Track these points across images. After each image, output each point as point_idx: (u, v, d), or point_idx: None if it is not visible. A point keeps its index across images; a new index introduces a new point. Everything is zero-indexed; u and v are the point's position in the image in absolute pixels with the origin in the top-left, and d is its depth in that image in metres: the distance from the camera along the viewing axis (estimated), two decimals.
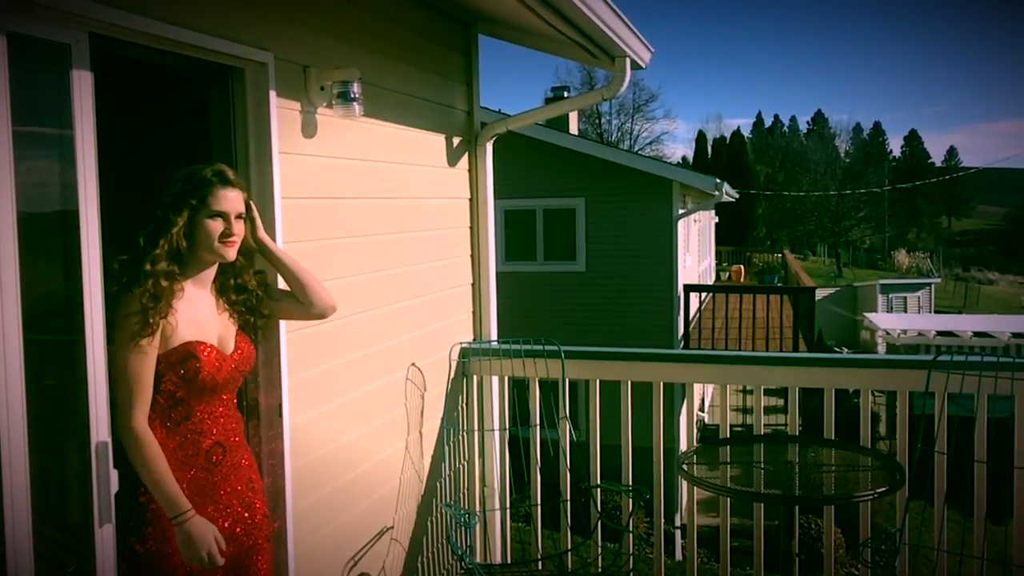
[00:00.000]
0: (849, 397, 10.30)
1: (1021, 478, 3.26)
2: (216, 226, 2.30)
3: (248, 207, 2.44)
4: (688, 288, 13.46)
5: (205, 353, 2.28)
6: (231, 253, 2.35)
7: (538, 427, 3.99)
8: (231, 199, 2.34)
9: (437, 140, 4.04)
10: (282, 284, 2.66)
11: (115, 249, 2.30)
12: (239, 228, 2.36)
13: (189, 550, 2.16)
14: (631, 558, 3.78)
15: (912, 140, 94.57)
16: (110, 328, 2.17)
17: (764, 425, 3.80)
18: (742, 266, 27.13)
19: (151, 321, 2.16)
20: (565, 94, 17.99)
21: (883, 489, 2.80)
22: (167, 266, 2.24)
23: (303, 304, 2.61)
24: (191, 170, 2.36)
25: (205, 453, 2.30)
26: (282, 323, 2.83)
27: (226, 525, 2.33)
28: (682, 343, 13.03)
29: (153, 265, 2.21)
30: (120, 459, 2.20)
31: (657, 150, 60.47)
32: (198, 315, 2.32)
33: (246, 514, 2.40)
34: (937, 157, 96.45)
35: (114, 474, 2.18)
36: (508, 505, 4.25)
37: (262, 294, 2.54)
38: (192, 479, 2.26)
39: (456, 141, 4.20)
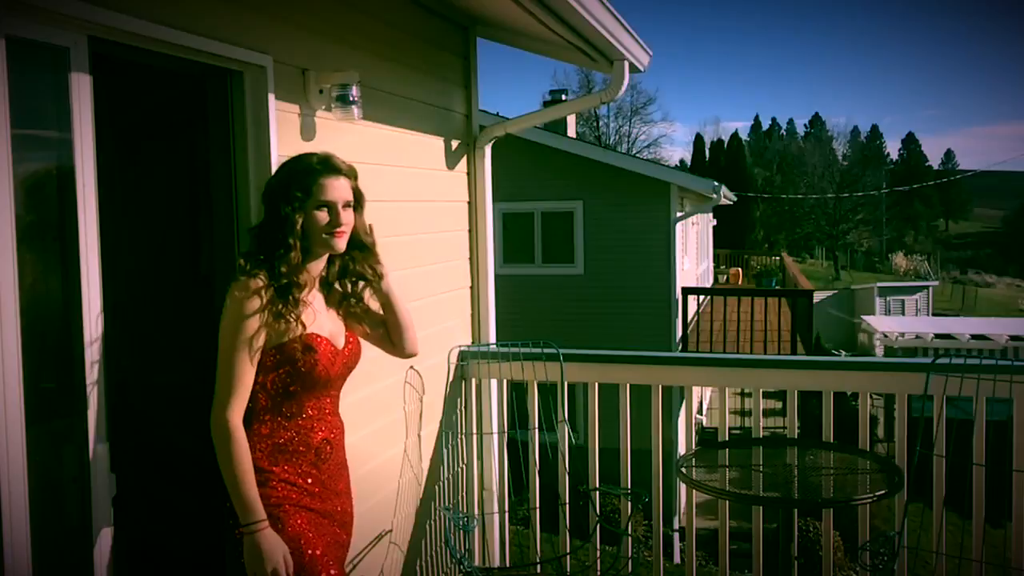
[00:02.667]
0: (847, 400, 10.29)
1: (1020, 481, 3.26)
2: (323, 217, 2.21)
3: (357, 195, 2.32)
4: (686, 291, 13.47)
5: (322, 347, 2.22)
6: (341, 244, 2.26)
7: (537, 430, 3.98)
8: (338, 188, 2.24)
9: (436, 143, 4.04)
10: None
11: (111, 250, 2.30)
12: (347, 217, 2.27)
13: (254, 563, 2.08)
14: (630, 561, 3.78)
15: (909, 143, 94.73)
16: (215, 315, 2.13)
17: (763, 428, 3.79)
18: (740, 269, 27.14)
19: (276, 319, 2.11)
20: (563, 97, 18.02)
21: (882, 492, 2.80)
22: (298, 264, 2.18)
23: (393, 342, 2.55)
24: (295, 159, 2.28)
25: (315, 449, 2.25)
26: None
27: (338, 531, 2.31)
28: (680, 346, 13.03)
29: (288, 266, 2.15)
30: (118, 462, 2.20)
31: (655, 153, 60.56)
32: (312, 307, 2.25)
33: (339, 508, 2.36)
34: (934, 160, 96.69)
35: (111, 478, 2.17)
36: (507, 508, 4.25)
37: (375, 284, 2.43)
38: (305, 475, 2.22)
39: (455, 144, 4.21)
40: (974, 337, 16.47)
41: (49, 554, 2.07)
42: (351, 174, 2.30)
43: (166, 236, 4.01)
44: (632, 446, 3.84)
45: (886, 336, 17.12)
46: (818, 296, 23.19)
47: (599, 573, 3.82)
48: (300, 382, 2.19)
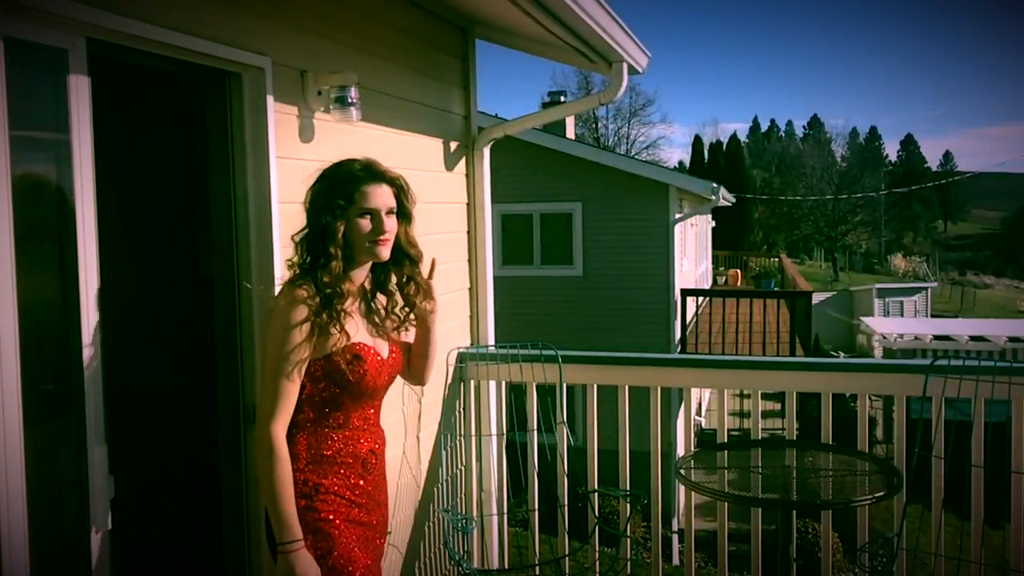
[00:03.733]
0: (846, 401, 10.31)
1: (1018, 482, 3.26)
2: (366, 224, 2.16)
3: (402, 204, 2.26)
4: (685, 292, 13.47)
5: (369, 356, 2.18)
6: (384, 252, 2.20)
7: (535, 432, 3.98)
8: (381, 195, 2.19)
9: (434, 144, 4.04)
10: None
11: (110, 252, 2.29)
12: (391, 225, 2.20)
13: None
14: (629, 563, 3.77)
15: (908, 144, 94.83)
16: (256, 326, 2.18)
17: (761, 429, 3.79)
18: (739, 270, 27.16)
19: (322, 330, 2.07)
20: (562, 99, 18.03)
21: (881, 494, 2.80)
22: (341, 274, 2.13)
23: (411, 371, 2.48)
24: (336, 166, 2.23)
25: (362, 460, 2.22)
26: None
27: (379, 541, 2.29)
28: (679, 347, 13.03)
29: (330, 275, 2.10)
30: (117, 464, 2.19)
31: (654, 155, 60.53)
32: (356, 317, 2.22)
33: (384, 524, 2.34)
34: (933, 161, 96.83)
35: (110, 480, 2.17)
36: (506, 510, 4.24)
37: (415, 299, 2.35)
38: (353, 487, 2.19)
39: (453, 146, 4.21)
40: (973, 338, 16.47)
41: (47, 556, 2.06)
42: (394, 181, 2.24)
43: (165, 238, 4.01)
44: (631, 448, 3.84)
45: (885, 337, 17.13)
46: (817, 297, 23.18)
47: (598, 575, 3.82)
48: (347, 392, 2.15)
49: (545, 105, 18.00)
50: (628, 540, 3.87)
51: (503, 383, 4.11)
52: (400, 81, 3.71)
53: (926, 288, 29.83)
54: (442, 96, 4.13)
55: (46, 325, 2.14)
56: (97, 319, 2.16)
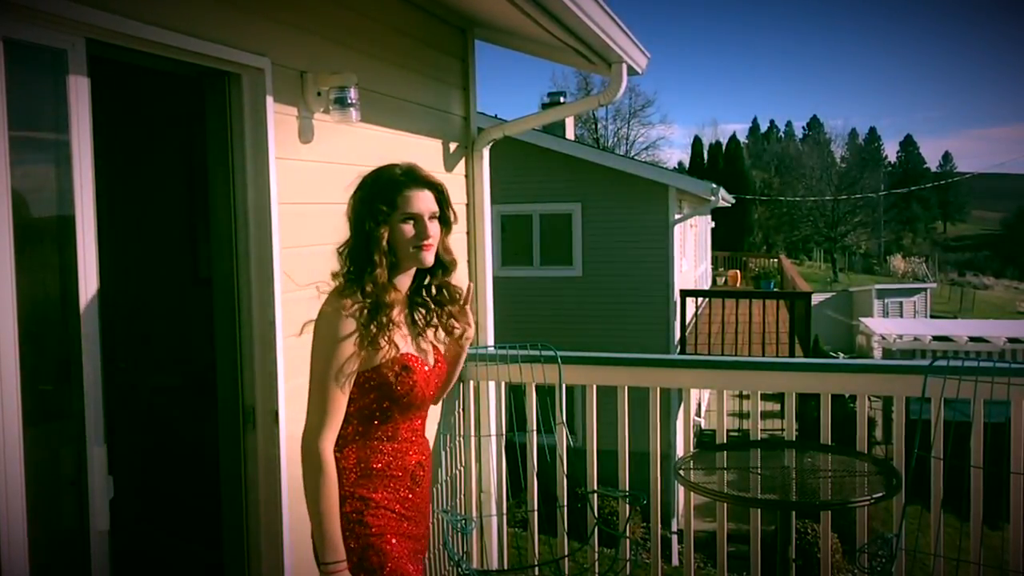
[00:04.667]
0: (845, 402, 10.30)
1: (1017, 483, 3.26)
2: (409, 230, 2.11)
3: (444, 209, 2.20)
4: (684, 293, 13.47)
5: (417, 367, 2.13)
6: (428, 257, 2.15)
7: (535, 432, 3.98)
8: (423, 199, 2.14)
9: (434, 145, 4.05)
10: None
11: (109, 252, 2.30)
12: (434, 229, 2.15)
13: None
14: (628, 563, 3.77)
15: (907, 145, 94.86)
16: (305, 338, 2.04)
17: (761, 430, 3.79)
18: (738, 271, 27.16)
19: (370, 341, 2.02)
20: (561, 100, 18.00)
21: (880, 494, 2.80)
22: (387, 282, 2.08)
23: None
24: (377, 172, 2.19)
25: (411, 473, 2.17)
26: (278, 325, 2.83)
27: (423, 545, 2.25)
28: (678, 348, 13.03)
29: (375, 284, 2.05)
30: (115, 464, 2.19)
31: (653, 155, 60.51)
32: (402, 327, 2.16)
33: (428, 536, 2.31)
34: (932, 162, 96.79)
35: (109, 480, 2.17)
36: (505, 511, 4.24)
37: (458, 306, 2.31)
38: (403, 500, 2.14)
39: (453, 146, 4.21)
40: (972, 339, 16.47)
41: (47, 556, 2.06)
42: (436, 186, 2.19)
43: (164, 238, 4.02)
44: (630, 448, 3.83)
45: (884, 338, 17.13)
46: (816, 298, 23.18)
47: (597, 575, 3.82)
48: (397, 404, 2.11)
49: (545, 106, 17.99)
50: (627, 541, 3.87)
51: (502, 383, 4.11)
52: (400, 82, 3.71)
53: (925, 289, 29.82)
54: (442, 97, 4.14)
55: (45, 325, 2.14)
56: (96, 319, 2.16)
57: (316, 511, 1.99)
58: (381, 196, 2.12)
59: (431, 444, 2.36)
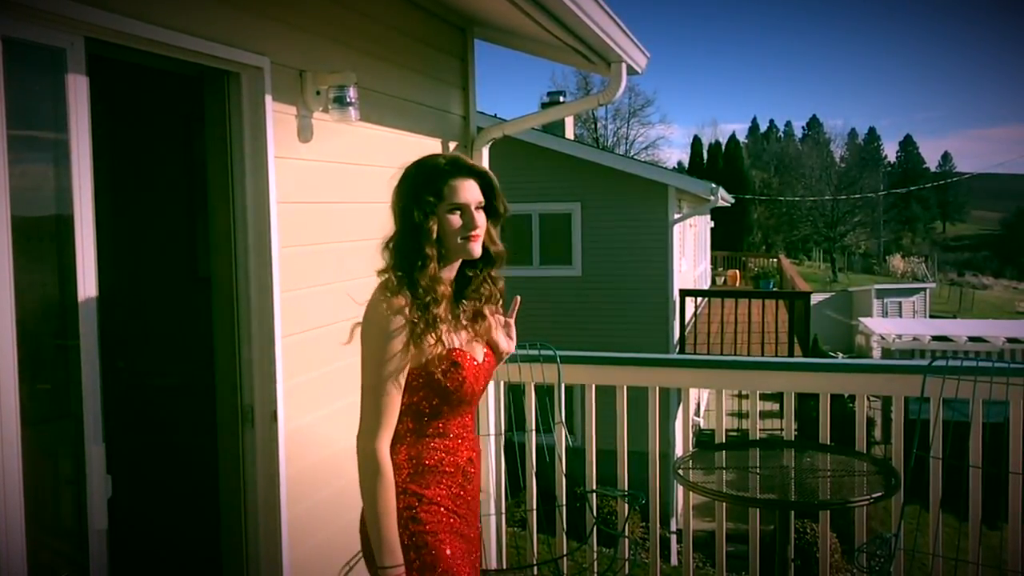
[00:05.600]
0: (844, 402, 10.30)
1: (1016, 483, 3.26)
2: (456, 220, 2.05)
3: (490, 194, 2.12)
4: (684, 293, 13.47)
5: (467, 362, 2.09)
6: (476, 248, 2.08)
7: (534, 432, 3.98)
8: (470, 188, 2.07)
9: (433, 145, 4.04)
10: None
11: (108, 251, 2.29)
12: (481, 219, 2.09)
13: None
14: (627, 563, 3.77)
15: (907, 145, 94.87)
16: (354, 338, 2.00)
17: (760, 430, 3.79)
18: (738, 271, 27.16)
19: (420, 337, 1.97)
20: (561, 99, 18.01)
21: (879, 494, 2.80)
22: (436, 274, 2.03)
23: None
24: (420, 162, 2.11)
25: (462, 469, 2.13)
26: (277, 325, 2.83)
27: (475, 551, 2.19)
28: (677, 348, 13.04)
29: (427, 278, 1.99)
30: (114, 464, 2.19)
31: (653, 155, 60.53)
32: (449, 321, 2.10)
33: (477, 526, 2.25)
34: (931, 162, 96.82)
35: (107, 479, 2.17)
36: (504, 510, 4.24)
37: (494, 307, 2.25)
38: (454, 496, 2.10)
39: (452, 145, 4.21)
40: (971, 339, 16.48)
41: (45, 555, 2.06)
42: (482, 175, 2.13)
43: (163, 237, 4.01)
44: (629, 448, 3.84)
45: (883, 338, 17.13)
46: (816, 298, 23.19)
47: (596, 575, 3.82)
48: (447, 401, 2.06)
49: (544, 105, 17.99)
50: (626, 540, 3.87)
51: (501, 383, 4.11)
52: (399, 81, 3.71)
53: (925, 289, 29.83)
54: (441, 96, 4.13)
55: (44, 324, 2.14)
56: (95, 318, 2.16)
57: (374, 514, 1.95)
58: (427, 187, 2.04)
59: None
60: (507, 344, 2.30)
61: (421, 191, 2.04)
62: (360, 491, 1.96)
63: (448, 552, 2.04)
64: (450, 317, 2.09)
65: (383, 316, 1.96)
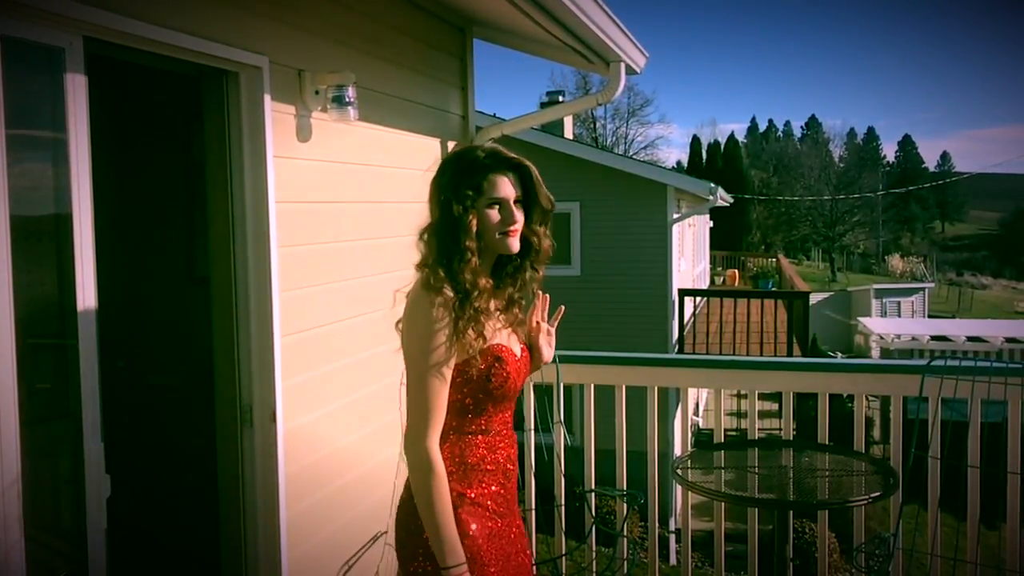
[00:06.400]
0: (843, 401, 10.31)
1: (1014, 483, 3.27)
2: (495, 215, 2.00)
3: (531, 187, 2.07)
4: (683, 292, 13.48)
5: (509, 357, 2.05)
6: (515, 244, 2.04)
7: (532, 432, 3.98)
8: (509, 183, 2.02)
9: (432, 144, 4.04)
10: None
11: (107, 251, 2.29)
12: (520, 214, 2.04)
13: None
14: (626, 562, 3.78)
15: (906, 145, 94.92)
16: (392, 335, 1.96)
17: (758, 430, 3.80)
18: (736, 270, 27.16)
19: (463, 332, 1.93)
20: (560, 99, 17.99)
21: (877, 494, 2.80)
22: (477, 269, 1.97)
23: None
24: (459, 155, 2.07)
25: (503, 468, 2.08)
26: (275, 324, 2.83)
27: (519, 549, 2.12)
28: (676, 348, 13.04)
29: (469, 272, 1.95)
30: (113, 463, 2.19)
31: (652, 155, 60.55)
32: (490, 315, 2.05)
33: (524, 538, 2.18)
34: (930, 162, 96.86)
35: (106, 479, 2.17)
36: None
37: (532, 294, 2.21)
38: (494, 495, 2.05)
39: (451, 145, 4.21)
40: (970, 339, 16.48)
41: (44, 555, 2.06)
42: (521, 167, 2.06)
43: (162, 237, 4.01)
44: (628, 447, 3.84)
45: (882, 338, 17.14)
46: (814, 298, 23.21)
47: (595, 574, 3.82)
48: (490, 397, 2.02)
49: (543, 105, 17.98)
50: (625, 540, 3.87)
51: None
52: (398, 81, 3.71)
53: (924, 288, 29.84)
54: (440, 96, 4.13)
55: (43, 324, 2.14)
56: (94, 318, 2.16)
57: (431, 515, 1.90)
58: (467, 180, 1.99)
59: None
60: (548, 353, 2.28)
61: (460, 185, 1.99)
62: (414, 492, 1.93)
63: (484, 554, 1.98)
64: (491, 311, 2.04)
65: (426, 311, 1.92)
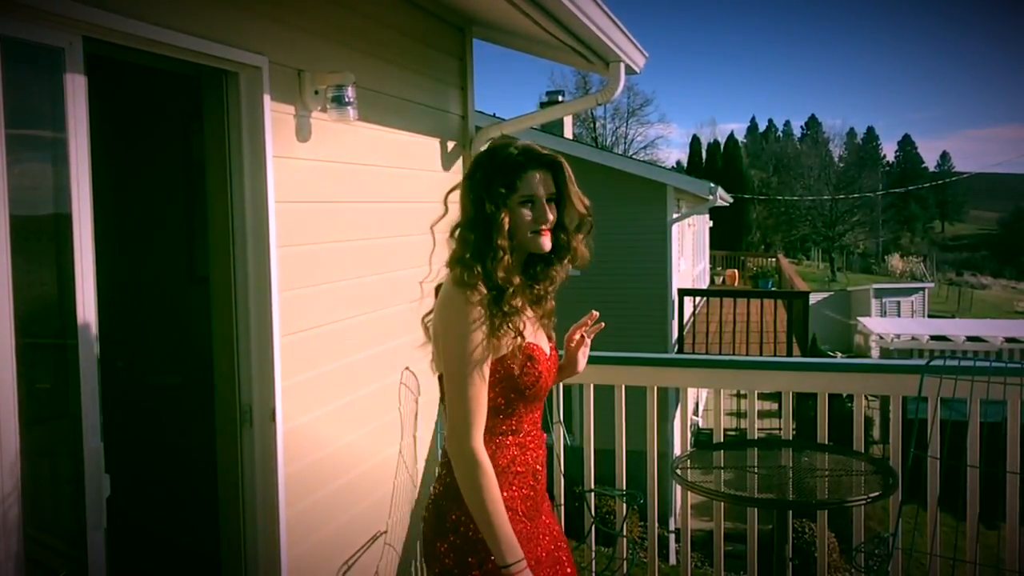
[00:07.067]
0: (843, 401, 10.32)
1: (1013, 482, 3.27)
2: (527, 213, 1.98)
3: (563, 185, 2.03)
4: (682, 292, 13.48)
5: (541, 356, 2.03)
6: (547, 242, 2.01)
7: None
8: (542, 181, 1.99)
9: (431, 144, 4.05)
10: None
11: (106, 251, 2.29)
12: (552, 213, 2.01)
13: None
14: (625, 562, 3.78)
15: (905, 145, 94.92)
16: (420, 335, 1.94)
17: (758, 429, 3.80)
18: (736, 270, 27.16)
19: (497, 331, 1.91)
20: (560, 98, 17.99)
21: (876, 494, 2.80)
22: (510, 267, 1.95)
23: None
24: (492, 151, 2.03)
25: (532, 469, 2.04)
26: (275, 324, 2.83)
27: (551, 547, 2.08)
28: (676, 347, 13.04)
29: (503, 270, 1.92)
30: (112, 463, 2.19)
31: (652, 154, 60.52)
32: (522, 314, 2.02)
33: (556, 528, 2.14)
34: (930, 162, 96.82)
35: (106, 479, 2.17)
36: None
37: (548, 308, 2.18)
38: (524, 498, 2.02)
39: (450, 145, 4.21)
40: (969, 339, 16.50)
41: (44, 554, 2.06)
42: (555, 164, 2.03)
43: (161, 237, 4.01)
44: (628, 447, 3.84)
45: (882, 338, 17.15)
46: (814, 298, 23.21)
47: (595, 574, 3.82)
48: (522, 396, 1.99)
49: (543, 105, 17.97)
50: (624, 540, 3.88)
51: None
52: (397, 81, 3.71)
53: (923, 288, 29.87)
54: (439, 96, 4.14)
55: (42, 324, 2.14)
56: (94, 318, 2.16)
57: (485, 514, 1.86)
58: (499, 178, 1.97)
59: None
60: (583, 365, 2.28)
61: (493, 182, 1.96)
62: (464, 494, 1.89)
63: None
64: (521, 310, 2.02)
65: (461, 309, 1.89)
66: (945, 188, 79.20)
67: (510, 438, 2.01)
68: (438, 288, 2.07)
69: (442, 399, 2.01)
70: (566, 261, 2.11)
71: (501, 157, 1.99)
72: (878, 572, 3.09)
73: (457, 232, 2.00)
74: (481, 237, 1.94)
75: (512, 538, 1.86)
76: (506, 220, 1.95)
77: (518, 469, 2.01)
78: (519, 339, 1.95)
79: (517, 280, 1.96)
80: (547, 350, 2.10)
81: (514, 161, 1.98)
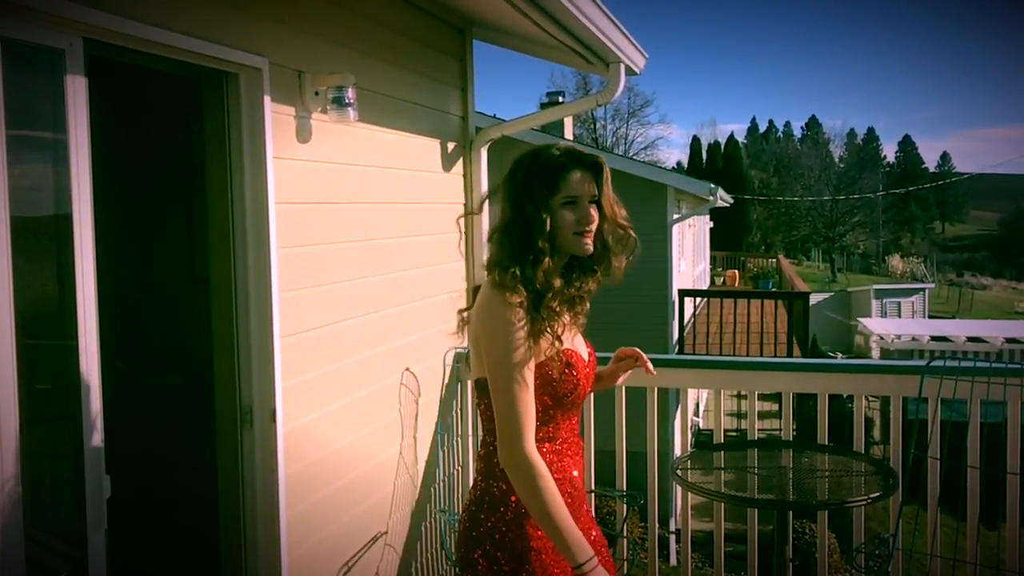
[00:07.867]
0: (843, 402, 10.31)
1: (1014, 483, 3.27)
2: (570, 215, 1.93)
3: (601, 186, 1.99)
4: (683, 293, 13.47)
5: (579, 362, 1.99)
6: (589, 245, 1.96)
7: None
8: (584, 182, 1.95)
9: (432, 145, 4.05)
10: None
11: (107, 252, 2.29)
12: (596, 214, 1.97)
13: None
14: (625, 563, 3.78)
15: (906, 145, 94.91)
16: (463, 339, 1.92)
17: (758, 430, 3.80)
18: (737, 271, 27.16)
19: (537, 335, 1.87)
20: (560, 99, 17.97)
21: (877, 494, 2.80)
22: (551, 269, 1.91)
23: None
24: (534, 152, 1.99)
25: (569, 477, 2.00)
26: (275, 325, 2.83)
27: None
28: (676, 348, 13.04)
29: (543, 273, 1.88)
30: (112, 464, 2.19)
31: (652, 155, 60.53)
32: (562, 318, 1.98)
33: (593, 533, 2.09)
34: (930, 162, 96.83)
35: (106, 479, 2.17)
36: None
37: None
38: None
39: (451, 146, 4.21)
40: (970, 339, 16.49)
41: (44, 555, 2.07)
42: (596, 165, 1.99)
43: (162, 237, 4.01)
44: (628, 448, 3.84)
45: (882, 338, 17.14)
46: (815, 298, 23.20)
47: None
48: (559, 403, 1.96)
49: (543, 106, 17.96)
50: (625, 540, 3.88)
51: None
52: (397, 82, 3.71)
53: (924, 289, 29.86)
54: (440, 97, 4.14)
55: (43, 324, 2.14)
56: (94, 318, 2.16)
57: (548, 517, 1.81)
58: (541, 179, 1.93)
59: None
60: (621, 381, 2.29)
61: (535, 183, 1.93)
62: (523, 500, 1.84)
63: (550, 571, 1.91)
64: (561, 313, 1.97)
65: (502, 313, 1.85)
66: (945, 189, 79.19)
67: (546, 445, 1.96)
68: (476, 290, 2.03)
69: (478, 404, 1.97)
70: (601, 269, 2.05)
71: (543, 157, 1.96)
72: (878, 573, 3.09)
73: (496, 234, 1.96)
74: (521, 239, 1.90)
75: (580, 537, 1.82)
76: (547, 221, 1.91)
77: (555, 476, 1.92)
78: (557, 344, 1.91)
79: (558, 283, 1.92)
80: (585, 356, 2.06)
81: (556, 161, 1.95)
